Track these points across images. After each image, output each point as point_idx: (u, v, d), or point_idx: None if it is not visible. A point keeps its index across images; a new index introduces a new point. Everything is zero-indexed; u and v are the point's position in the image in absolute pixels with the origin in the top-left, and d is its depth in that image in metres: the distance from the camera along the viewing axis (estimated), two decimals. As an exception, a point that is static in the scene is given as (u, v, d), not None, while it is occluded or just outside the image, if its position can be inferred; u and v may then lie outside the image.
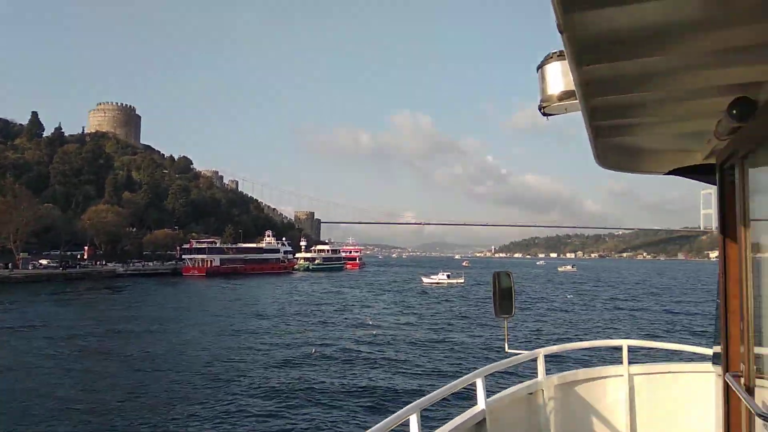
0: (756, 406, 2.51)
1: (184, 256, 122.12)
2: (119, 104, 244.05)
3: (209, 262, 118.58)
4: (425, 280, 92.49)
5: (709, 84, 2.51)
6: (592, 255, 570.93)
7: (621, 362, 5.67)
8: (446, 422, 4.02)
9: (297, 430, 17.40)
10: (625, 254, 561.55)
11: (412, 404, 3.35)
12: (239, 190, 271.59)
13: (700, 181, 4.10)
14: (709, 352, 5.25)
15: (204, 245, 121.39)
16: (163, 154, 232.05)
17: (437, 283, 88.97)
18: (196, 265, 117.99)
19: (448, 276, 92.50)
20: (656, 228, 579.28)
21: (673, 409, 5.56)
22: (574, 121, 3.20)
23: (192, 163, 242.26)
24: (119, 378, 24.11)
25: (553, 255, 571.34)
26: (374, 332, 36.91)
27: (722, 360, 3.41)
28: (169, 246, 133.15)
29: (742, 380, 2.89)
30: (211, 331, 38.06)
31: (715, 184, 3.72)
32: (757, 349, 2.79)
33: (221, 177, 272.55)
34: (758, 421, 2.71)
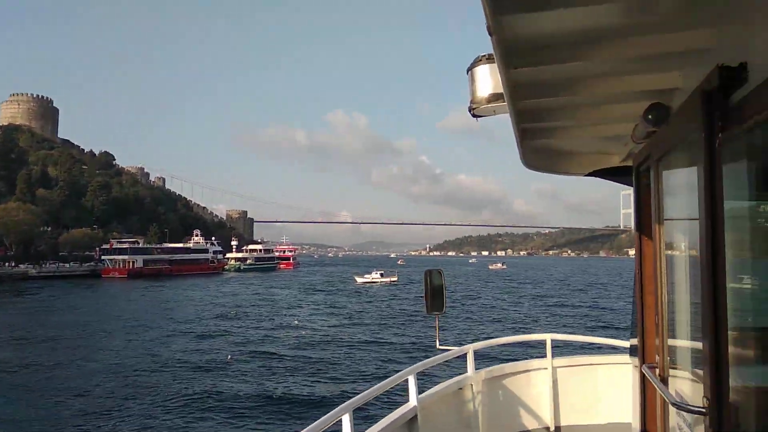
0: (670, 395, 2.66)
1: (103, 257, 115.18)
2: (35, 96, 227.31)
3: (131, 263, 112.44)
4: (358, 279, 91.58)
5: (627, 90, 2.69)
6: (521, 252, 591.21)
7: (546, 356, 5.93)
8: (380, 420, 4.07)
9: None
10: (551, 252, 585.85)
11: (344, 404, 3.35)
12: (166, 187, 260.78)
13: (618, 182, 4.28)
14: (626, 344, 5.43)
15: (125, 245, 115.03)
16: (83, 150, 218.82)
17: (371, 282, 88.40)
18: (117, 266, 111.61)
19: (382, 275, 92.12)
20: (580, 227, 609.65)
21: (594, 399, 5.86)
22: (504, 124, 3.29)
23: (114, 159, 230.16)
24: (13, 391, 21.76)
25: (485, 253, 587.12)
26: (302, 334, 35.77)
27: (638, 352, 3.56)
28: (88, 246, 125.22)
29: (657, 371, 3.02)
30: (122, 337, 35.57)
31: (632, 186, 3.89)
32: (670, 342, 2.93)
33: (147, 174, 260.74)
34: (672, 410, 2.87)
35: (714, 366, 2.02)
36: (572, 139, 3.91)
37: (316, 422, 3.04)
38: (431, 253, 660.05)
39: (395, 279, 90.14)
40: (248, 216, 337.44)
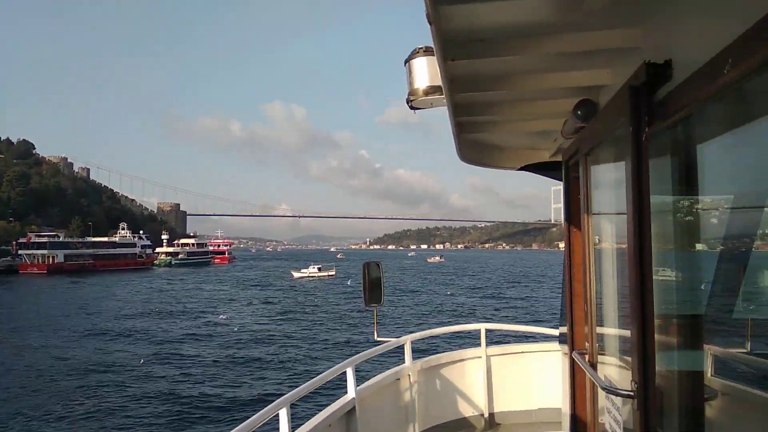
0: (600, 379, 2.74)
1: (20, 252, 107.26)
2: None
3: (51, 259, 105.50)
4: (295, 274, 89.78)
5: (557, 86, 2.80)
6: (459, 246, 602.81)
7: (480, 345, 6.11)
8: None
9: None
10: (487, 245, 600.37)
11: (280, 399, 3.30)
12: (92, 178, 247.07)
13: (548, 176, 4.43)
14: (556, 332, 5.60)
15: (45, 239, 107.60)
16: (11, 141, 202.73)
17: (308, 276, 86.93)
18: (36, 261, 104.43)
19: (319, 269, 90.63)
20: (514, 221, 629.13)
21: (526, 386, 6.11)
22: (442, 118, 4.22)
23: (34, 148, 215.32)
24: None
25: (424, 246, 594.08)
26: (231, 331, 34.38)
27: (568, 339, 3.65)
28: (3, 240, 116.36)
29: (587, 357, 3.12)
30: (32, 337, 32.86)
31: (560, 180, 4.02)
32: (599, 329, 3.04)
33: (71, 164, 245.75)
34: (601, 393, 2.96)
35: (641, 352, 2.10)
36: (505, 134, 4.02)
37: (250, 419, 2.94)
38: (371, 247, 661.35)
39: (333, 273, 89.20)
40: (181, 209, 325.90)
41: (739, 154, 1.96)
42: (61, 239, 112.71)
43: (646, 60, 2.00)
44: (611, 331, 2.96)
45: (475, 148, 4.27)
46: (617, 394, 2.37)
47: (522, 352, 6.32)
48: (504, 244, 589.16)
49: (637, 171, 2.10)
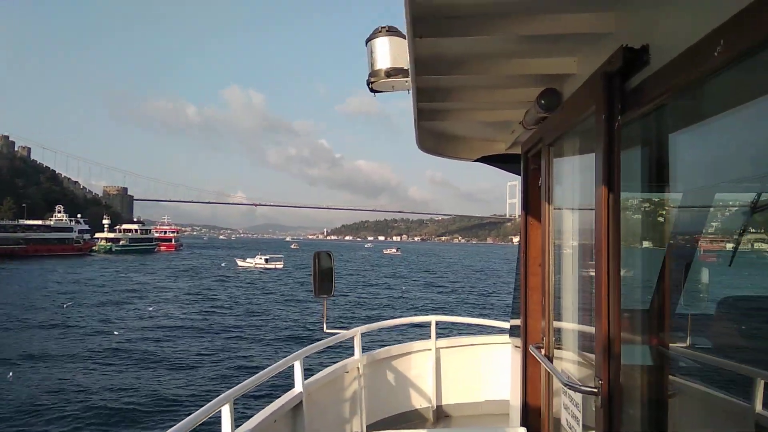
0: (559, 374, 2.67)
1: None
2: None
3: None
4: (240, 263, 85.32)
5: (522, 73, 2.76)
6: (416, 238, 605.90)
7: (430, 337, 6.08)
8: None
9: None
10: (443, 238, 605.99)
11: (223, 394, 3.12)
12: (32, 158, 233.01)
13: (503, 168, 4.50)
14: (505, 325, 5.76)
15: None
16: None
17: (253, 266, 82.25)
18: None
19: (267, 260, 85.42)
20: (470, 215, 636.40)
21: (474, 378, 6.15)
22: (403, 110, 3.70)
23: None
24: None
25: (381, 238, 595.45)
26: (155, 325, 31.02)
27: (521, 333, 3.64)
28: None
29: (543, 351, 3.09)
30: None
31: (515, 173, 4.05)
32: (556, 323, 3.03)
33: (12, 143, 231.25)
34: (557, 388, 2.95)
35: (606, 349, 2.05)
36: (463, 123, 3.96)
37: (190, 416, 2.76)
38: (329, 237, 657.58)
39: (280, 265, 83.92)
40: (130, 194, 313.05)
41: (715, 145, 1.92)
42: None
43: (624, 44, 1.93)
44: (570, 325, 2.89)
45: (433, 136, 4.25)
46: (579, 391, 2.32)
47: (471, 345, 6.29)
48: (460, 238, 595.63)
49: (608, 162, 2.03)
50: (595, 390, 2.11)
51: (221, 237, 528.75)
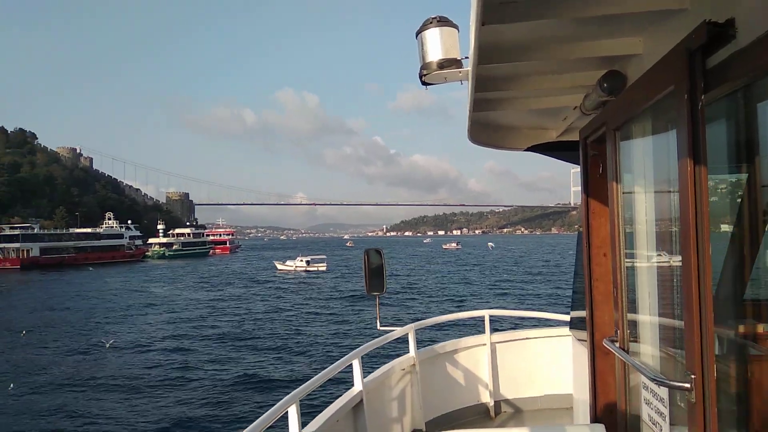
0: (643, 368, 2.52)
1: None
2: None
3: (25, 252, 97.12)
4: (279, 266, 78.94)
5: (584, 55, 2.67)
6: (476, 231, 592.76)
7: (484, 332, 6.02)
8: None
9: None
10: (505, 230, 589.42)
11: (289, 395, 3.22)
12: (95, 168, 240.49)
13: (553, 157, 4.41)
14: (560, 317, 5.97)
15: (17, 231, 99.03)
16: (6, 129, 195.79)
17: (293, 269, 75.88)
18: (9, 256, 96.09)
19: (308, 262, 78.76)
20: (532, 205, 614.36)
21: (532, 372, 6.03)
22: (457, 101, 2.51)
23: (36, 138, 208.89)
24: None
25: (441, 232, 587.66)
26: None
27: (588, 325, 3.48)
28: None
29: (617, 344, 2.95)
30: None
31: (567, 161, 4.12)
32: (630, 315, 2.92)
33: (80, 155, 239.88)
34: (635, 382, 2.83)
35: (699, 341, 1.95)
36: (514, 112, 3.87)
37: (260, 417, 2.86)
38: (388, 234, 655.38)
39: (323, 267, 77.15)
40: (191, 199, 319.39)
41: None
42: (36, 231, 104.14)
43: (707, 19, 1.82)
44: (646, 317, 2.73)
45: (484, 127, 4.16)
46: (670, 386, 2.18)
47: (527, 338, 6.19)
48: (523, 229, 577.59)
49: (693, 143, 1.92)
50: (688, 385, 1.99)
51: (282, 237, 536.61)
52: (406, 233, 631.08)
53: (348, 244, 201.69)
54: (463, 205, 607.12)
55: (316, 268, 76.41)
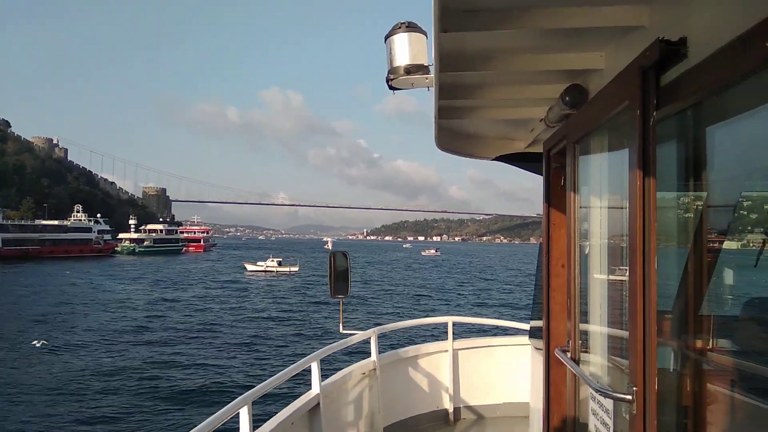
0: (589, 380, 2.55)
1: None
2: None
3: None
4: (249, 267, 76.20)
5: (546, 68, 2.71)
6: (456, 238, 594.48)
7: (447, 338, 6.07)
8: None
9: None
10: (484, 238, 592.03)
11: (241, 396, 3.15)
12: (69, 159, 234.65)
13: (521, 168, 4.45)
14: (523, 326, 5.83)
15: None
16: None
17: (263, 271, 73.27)
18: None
19: (279, 263, 76.36)
20: (512, 214, 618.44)
21: (492, 380, 6.10)
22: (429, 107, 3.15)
23: (9, 126, 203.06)
24: None
25: (421, 238, 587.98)
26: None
27: (544, 335, 3.55)
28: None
29: (569, 354, 2.98)
30: None
31: (534, 172, 4.06)
32: (582, 326, 2.95)
33: (55, 145, 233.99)
34: (584, 392, 2.87)
35: (642, 353, 1.97)
36: (482, 122, 3.90)
37: (209, 418, 2.78)
38: (368, 238, 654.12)
39: (296, 269, 74.87)
40: (168, 195, 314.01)
41: (749, 140, 1.88)
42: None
43: (660, 37, 1.84)
44: (597, 328, 2.77)
45: (452, 135, 4.15)
46: (612, 398, 2.19)
47: (489, 346, 6.22)
48: (502, 238, 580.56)
49: (643, 159, 1.94)
50: (629, 397, 2.01)
51: (261, 237, 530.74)
52: (387, 238, 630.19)
53: (326, 246, 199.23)
54: (445, 211, 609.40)
55: (288, 269, 74.24)
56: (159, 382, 19.26)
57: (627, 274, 2.08)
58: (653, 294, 1.92)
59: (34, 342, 25.51)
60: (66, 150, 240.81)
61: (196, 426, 2.65)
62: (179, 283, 57.61)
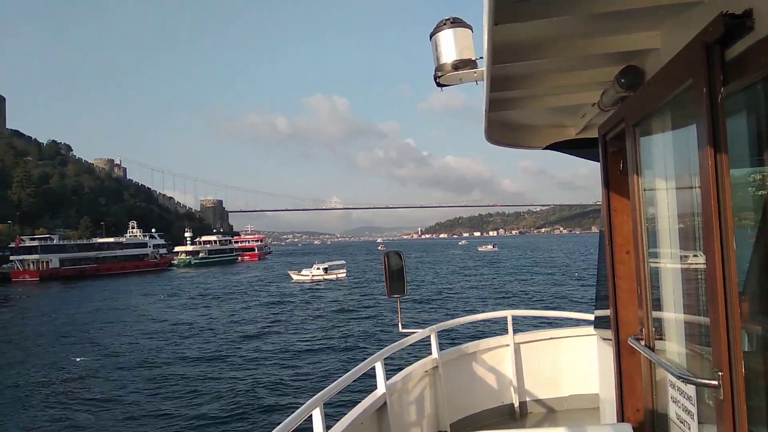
0: (669, 366, 2.49)
1: (12, 258, 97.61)
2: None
3: (45, 264, 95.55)
4: (294, 276, 73.16)
5: (599, 52, 2.67)
6: (513, 232, 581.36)
7: (508, 333, 6.00)
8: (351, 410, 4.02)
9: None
10: (543, 230, 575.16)
11: (313, 398, 3.25)
12: (128, 178, 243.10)
13: (573, 155, 4.39)
14: (584, 317, 5.95)
15: (36, 243, 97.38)
16: (39, 141, 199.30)
17: (309, 280, 69.98)
18: (28, 268, 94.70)
19: (325, 270, 72.81)
20: (571, 203, 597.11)
21: (557, 372, 6.01)
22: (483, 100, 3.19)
23: (71, 150, 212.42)
24: None
25: (477, 234, 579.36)
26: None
27: (612, 324, 3.48)
28: (5, 246, 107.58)
29: (643, 342, 2.92)
30: None
31: (588, 158, 4.11)
32: (655, 313, 2.91)
33: (117, 165, 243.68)
34: (661, 381, 2.83)
35: (725, 337, 1.93)
36: (532, 111, 3.90)
37: (285, 421, 2.88)
38: (423, 236, 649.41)
39: (343, 274, 71.43)
40: (223, 206, 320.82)
41: None
42: (56, 242, 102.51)
43: (723, 11, 1.81)
44: (670, 314, 2.73)
45: (502, 127, 4.12)
46: (697, 384, 2.16)
47: (551, 338, 6.15)
48: (562, 228, 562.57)
49: (714, 137, 1.91)
50: (715, 382, 1.97)
51: (316, 242, 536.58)
52: (441, 235, 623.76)
53: (380, 248, 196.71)
54: (499, 205, 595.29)
55: (335, 276, 70.91)
56: (225, 390, 19.57)
57: (701, 256, 2.06)
58: (733, 275, 1.87)
59: (76, 358, 26.44)
60: (125, 169, 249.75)
61: (274, 428, 2.73)
62: (218, 297, 55.44)
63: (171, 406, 18.15)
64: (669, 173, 2.64)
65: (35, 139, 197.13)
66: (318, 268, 73.34)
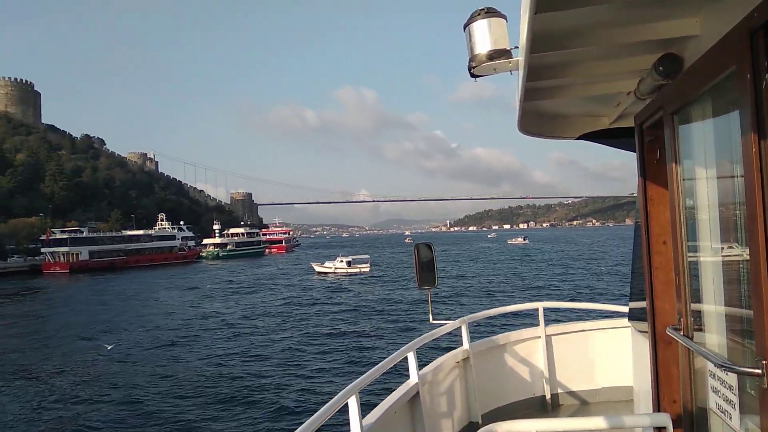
0: (711, 356, 2.47)
1: (43, 250, 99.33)
2: (13, 80, 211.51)
3: (75, 256, 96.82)
4: (317, 268, 71.95)
5: (635, 39, 2.66)
6: (544, 224, 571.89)
7: (539, 324, 6.03)
8: (383, 399, 4.10)
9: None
10: (575, 222, 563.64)
11: (348, 386, 3.31)
12: (160, 171, 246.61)
13: (606, 144, 4.35)
14: (617, 309, 5.98)
15: (66, 235, 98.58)
16: (73, 136, 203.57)
17: (332, 272, 69.00)
18: (59, 260, 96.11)
19: (349, 263, 71.59)
20: (604, 195, 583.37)
21: (589, 365, 5.99)
22: (515, 92, 3.25)
23: (104, 144, 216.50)
24: None
25: (507, 226, 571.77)
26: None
27: (648, 315, 3.48)
28: (37, 238, 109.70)
29: (681, 333, 2.90)
30: None
31: (621, 148, 4.12)
32: (694, 304, 2.90)
33: (149, 159, 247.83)
34: (701, 371, 2.79)
35: None
36: (565, 101, 3.90)
37: (321, 408, 2.96)
38: (452, 229, 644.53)
39: (366, 268, 69.85)
40: (252, 199, 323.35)
41: None
42: (85, 234, 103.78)
43: None
44: (711, 305, 2.69)
45: (535, 117, 4.09)
46: (739, 372, 2.16)
47: (582, 330, 6.12)
48: (594, 221, 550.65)
49: (758, 125, 1.90)
50: (759, 371, 1.97)
51: (344, 235, 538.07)
52: (471, 228, 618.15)
53: (407, 241, 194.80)
54: (529, 197, 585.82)
55: (358, 269, 69.59)
56: (256, 378, 20.19)
57: (742, 246, 2.06)
58: None
59: (107, 346, 27.39)
60: (157, 163, 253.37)
61: (311, 416, 2.81)
62: (244, 289, 54.71)
63: (209, 393, 18.71)
64: (709, 162, 2.59)
65: (69, 134, 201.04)
66: (341, 261, 72.15)
